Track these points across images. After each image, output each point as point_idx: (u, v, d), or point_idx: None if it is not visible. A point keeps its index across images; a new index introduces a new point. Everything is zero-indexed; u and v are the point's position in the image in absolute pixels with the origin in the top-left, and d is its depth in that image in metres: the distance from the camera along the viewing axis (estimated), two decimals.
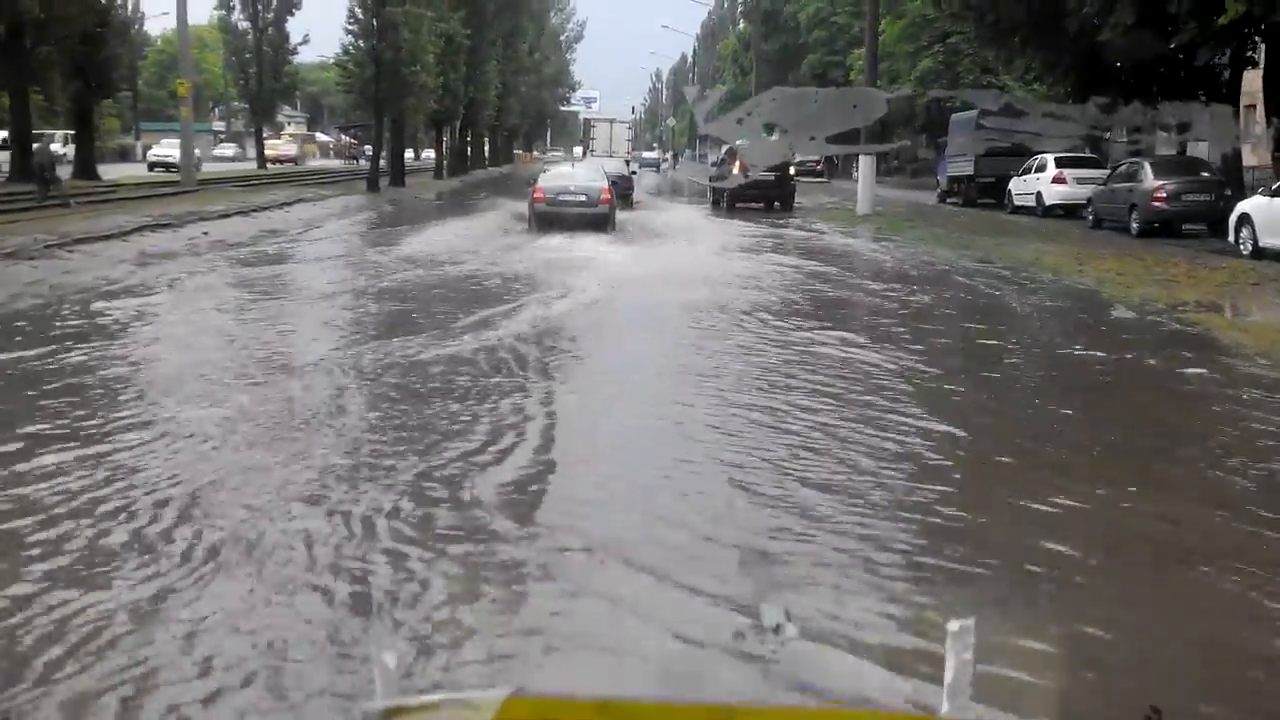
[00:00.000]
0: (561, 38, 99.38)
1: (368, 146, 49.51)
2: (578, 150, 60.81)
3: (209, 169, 45.46)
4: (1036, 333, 12.22)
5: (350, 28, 40.26)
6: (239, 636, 4.07)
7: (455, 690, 1.05)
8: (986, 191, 33.63)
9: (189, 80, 36.61)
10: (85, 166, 35.79)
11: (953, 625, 1.19)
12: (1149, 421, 8.03)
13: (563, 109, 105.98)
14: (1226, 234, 19.13)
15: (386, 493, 5.76)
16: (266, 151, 57.45)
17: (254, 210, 27.28)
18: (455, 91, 49.47)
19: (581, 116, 71.43)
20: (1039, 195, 29.41)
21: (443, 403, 7.86)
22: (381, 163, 42.81)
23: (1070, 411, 8.32)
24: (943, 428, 7.34)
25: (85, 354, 9.49)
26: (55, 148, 27.76)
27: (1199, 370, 9.62)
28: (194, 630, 4.11)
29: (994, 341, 11.46)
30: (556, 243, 20.10)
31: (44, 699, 3.60)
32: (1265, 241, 17.62)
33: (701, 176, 44.06)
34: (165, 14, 64.23)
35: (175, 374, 8.74)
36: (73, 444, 6.56)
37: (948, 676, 1.19)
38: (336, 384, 8.48)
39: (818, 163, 54.05)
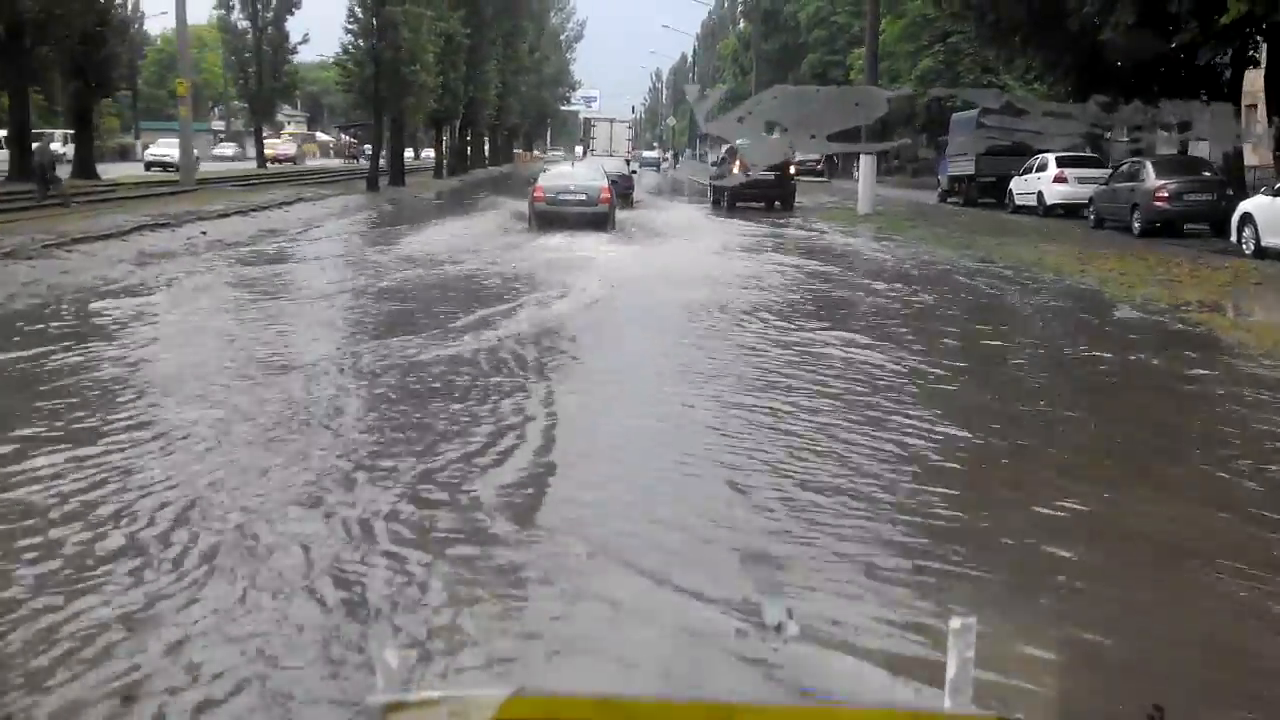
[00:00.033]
0: (561, 37, 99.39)
1: (368, 146, 49.45)
2: (578, 150, 60.81)
3: (208, 168, 45.41)
4: (1039, 333, 12.18)
5: (350, 27, 40.27)
6: (233, 640, 4.02)
7: (458, 686, 1.02)
8: (987, 191, 33.60)
9: (188, 79, 36.58)
10: (84, 166, 35.74)
11: (954, 623, 1.18)
12: (1153, 423, 7.98)
13: (563, 108, 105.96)
14: (1229, 234, 19.11)
15: (386, 494, 5.72)
16: (265, 151, 57.41)
17: (253, 210, 27.24)
18: (455, 91, 49.43)
19: (582, 116, 71.48)
20: (1040, 195, 29.37)
21: (443, 403, 7.82)
22: (381, 162, 42.77)
23: (1074, 413, 8.28)
24: (946, 428, 7.29)
25: (82, 355, 9.45)
26: (55, 147, 27.71)
27: (1203, 371, 9.58)
28: (187, 634, 4.07)
29: (997, 342, 11.42)
30: (556, 242, 20.06)
31: (36, 706, 3.56)
32: (1268, 241, 17.57)
33: (702, 176, 43.97)
34: (165, 13, 64.14)
35: (173, 374, 8.69)
36: (67, 445, 6.51)
37: (949, 673, 1.18)
38: (336, 384, 8.44)
39: (818, 162, 54.07)
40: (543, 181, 24.34)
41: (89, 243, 18.11)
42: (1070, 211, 27.35)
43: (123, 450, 6.46)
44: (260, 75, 54.02)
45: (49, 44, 31.92)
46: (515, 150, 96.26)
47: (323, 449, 6.61)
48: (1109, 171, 26.27)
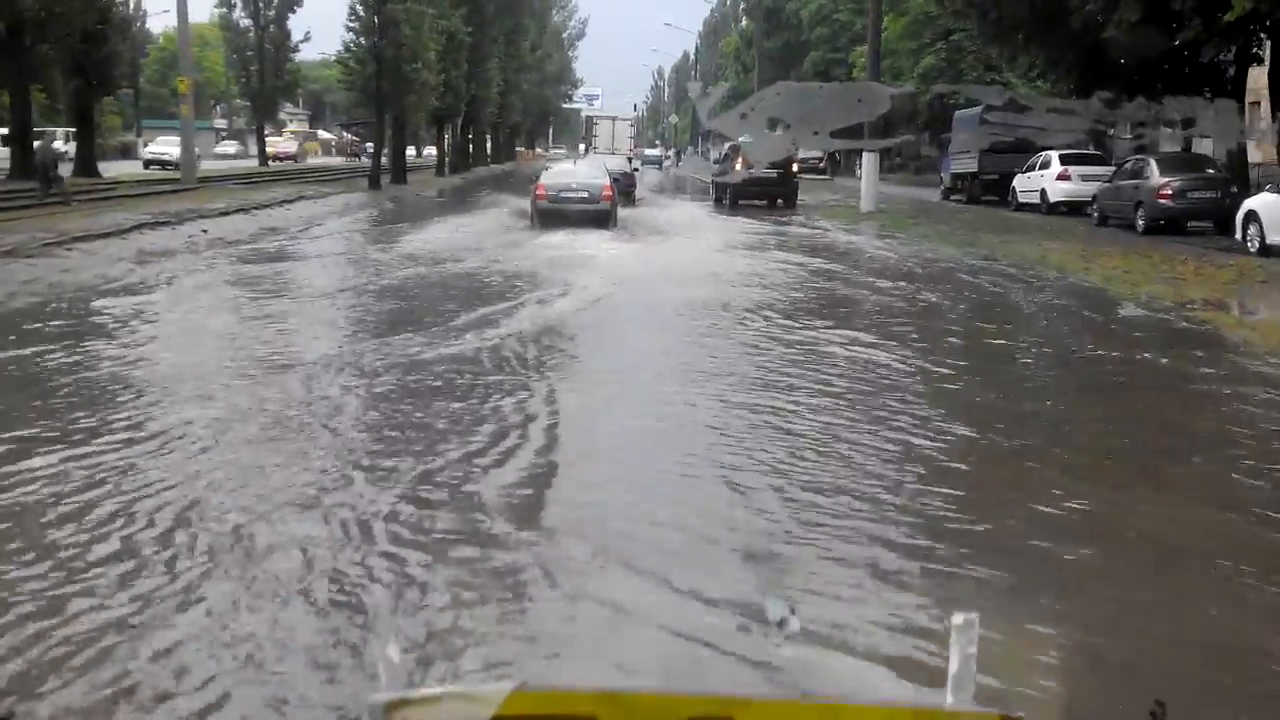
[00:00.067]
0: (564, 35, 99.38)
1: (370, 144, 49.43)
2: (581, 147, 60.78)
3: (210, 166, 45.39)
4: (1044, 331, 12.13)
5: (351, 25, 40.22)
6: (230, 642, 3.98)
7: (460, 682, 1.00)
8: (990, 189, 33.52)
9: (189, 78, 36.55)
10: (86, 164, 35.73)
11: (956, 619, 1.18)
12: (1158, 422, 7.93)
13: (565, 106, 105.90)
14: (1233, 231, 19.04)
15: (386, 494, 5.68)
16: (267, 149, 57.36)
17: (254, 208, 27.22)
18: (457, 89, 49.39)
19: (584, 114, 71.38)
20: (1043, 192, 29.30)
21: (444, 402, 7.78)
22: (383, 160, 42.72)
23: (1079, 412, 8.24)
24: (950, 428, 7.25)
25: (81, 353, 9.41)
26: (58, 145, 27.66)
27: (1208, 370, 9.53)
28: (185, 637, 4.03)
29: (1001, 341, 11.36)
30: (558, 240, 20.01)
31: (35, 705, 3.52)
32: (1273, 239, 17.51)
33: (705, 173, 43.99)
34: (166, 11, 64.20)
35: (172, 373, 8.65)
36: (65, 445, 6.47)
37: (951, 670, 1.17)
38: (336, 383, 8.40)
39: (820, 160, 54.00)
40: (545, 179, 24.32)
41: (89, 241, 18.06)
42: (1074, 209, 27.29)
43: (120, 450, 6.42)
44: (262, 73, 53.97)
45: (50, 42, 31.92)
46: (517, 148, 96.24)
47: (322, 448, 6.57)
48: (1113, 169, 26.21)
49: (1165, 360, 10.11)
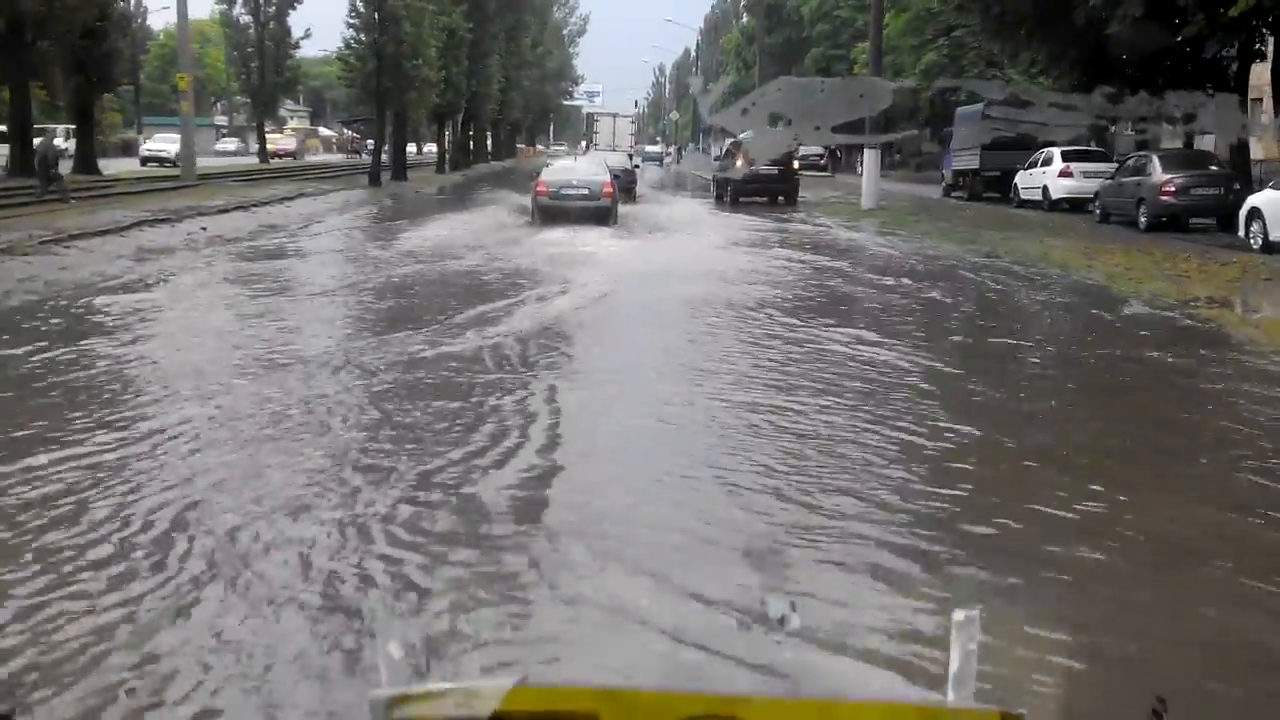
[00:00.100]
0: (564, 32, 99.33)
1: (370, 141, 49.38)
2: (582, 144, 60.79)
3: (210, 163, 45.32)
4: (1047, 329, 12.08)
5: (352, 21, 40.15)
6: (224, 647, 3.94)
7: (461, 679, 1.06)
8: (992, 185, 33.46)
9: (190, 74, 36.49)
10: (86, 161, 35.69)
11: (958, 615, 1.17)
12: (1163, 421, 7.88)
13: (566, 103, 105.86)
14: (1235, 228, 18.98)
15: (387, 494, 5.64)
16: (266, 146, 57.35)
17: (254, 205, 27.16)
18: (457, 85, 49.33)
19: (584, 111, 71.53)
20: (1045, 189, 29.25)
21: (444, 401, 7.73)
22: (383, 157, 42.67)
23: (1082, 411, 8.19)
24: (953, 426, 7.19)
25: (77, 352, 9.35)
26: (58, 142, 27.60)
27: (1212, 368, 9.47)
28: (182, 637, 3.99)
29: (1004, 339, 11.30)
30: (559, 236, 19.96)
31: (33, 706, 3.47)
32: (1276, 236, 17.45)
33: (706, 170, 43.93)
34: (167, 8, 64.08)
35: (170, 372, 8.60)
36: (63, 444, 6.42)
37: (952, 667, 1.16)
38: (336, 381, 8.35)
39: (821, 156, 54.00)
40: (545, 176, 24.30)
41: (87, 238, 18.00)
42: (1075, 206, 27.24)
43: (116, 450, 6.38)
44: (262, 70, 54.05)
45: (50, 39, 31.89)
46: (518, 145, 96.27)
47: (322, 448, 6.53)
48: (1114, 166, 26.15)
49: (1169, 358, 10.05)
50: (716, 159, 41.31)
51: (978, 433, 7.12)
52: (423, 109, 44.82)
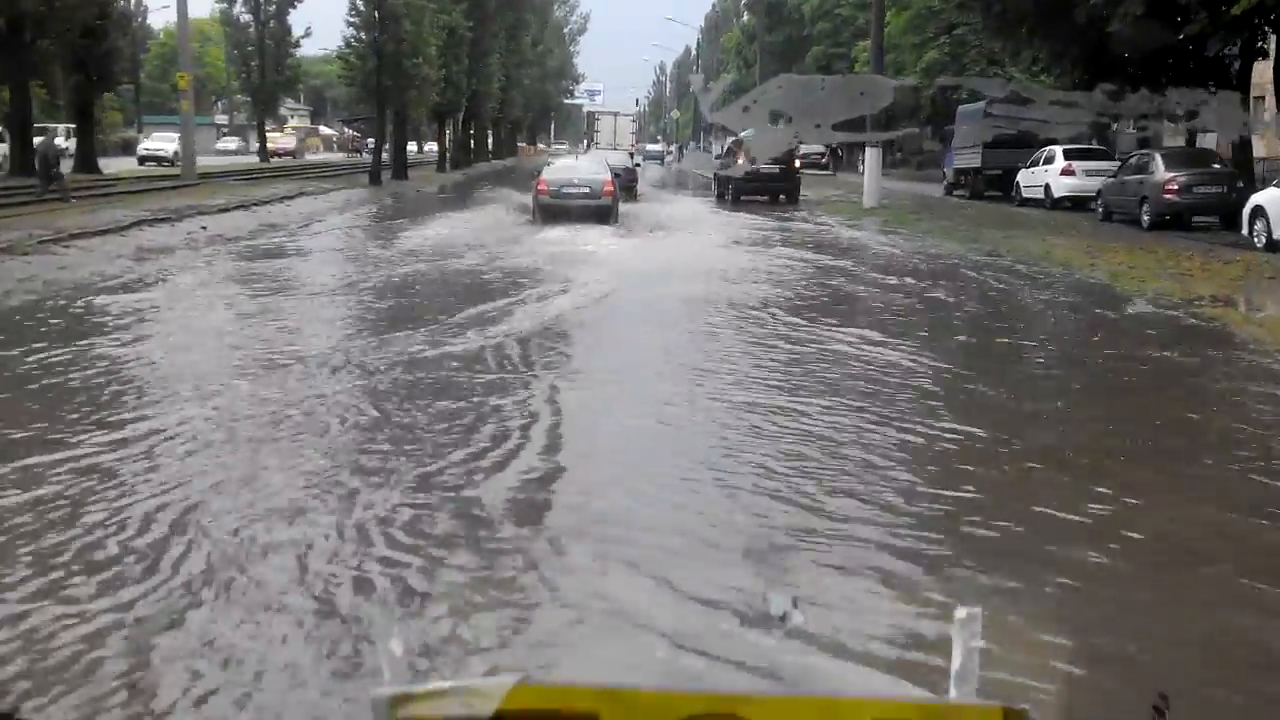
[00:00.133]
0: (565, 30, 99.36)
1: (371, 139, 49.36)
2: (582, 143, 60.79)
3: (210, 162, 45.26)
4: (1051, 329, 12.04)
5: (352, 20, 40.13)
6: (222, 647, 3.92)
7: (463, 678, 1.06)
8: (994, 184, 33.41)
9: (190, 73, 36.46)
10: (86, 160, 35.69)
11: (960, 613, 1.16)
12: (1166, 420, 7.83)
13: (566, 102, 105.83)
14: (1239, 227, 18.93)
15: (388, 494, 5.62)
16: (267, 145, 57.31)
17: (254, 204, 27.13)
18: (458, 84, 49.32)
19: (585, 109, 71.48)
20: (1047, 187, 29.19)
21: (444, 402, 7.69)
22: (384, 156, 42.64)
23: (1085, 410, 8.15)
24: (956, 427, 7.15)
25: (75, 352, 9.32)
26: (59, 142, 27.59)
27: (1217, 367, 9.44)
28: (180, 638, 3.96)
29: (1008, 339, 11.26)
30: (560, 235, 19.93)
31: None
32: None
33: (706, 168, 43.96)
34: (167, 7, 63.90)
35: (169, 372, 8.58)
36: (61, 444, 6.38)
37: (954, 664, 1.16)
38: (335, 382, 8.32)
39: (822, 155, 53.98)
40: (546, 175, 24.28)
41: (87, 238, 17.97)
42: (1078, 204, 27.19)
43: (115, 450, 6.35)
44: (263, 69, 54.04)
45: (50, 37, 31.87)
46: (519, 144, 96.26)
47: (322, 448, 6.50)
48: (1117, 164, 26.10)
49: (1173, 358, 10.01)
50: (718, 157, 41.32)
51: (981, 433, 7.08)
52: (423, 107, 44.80)
